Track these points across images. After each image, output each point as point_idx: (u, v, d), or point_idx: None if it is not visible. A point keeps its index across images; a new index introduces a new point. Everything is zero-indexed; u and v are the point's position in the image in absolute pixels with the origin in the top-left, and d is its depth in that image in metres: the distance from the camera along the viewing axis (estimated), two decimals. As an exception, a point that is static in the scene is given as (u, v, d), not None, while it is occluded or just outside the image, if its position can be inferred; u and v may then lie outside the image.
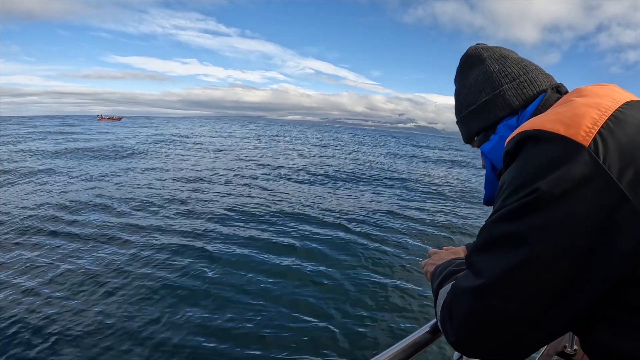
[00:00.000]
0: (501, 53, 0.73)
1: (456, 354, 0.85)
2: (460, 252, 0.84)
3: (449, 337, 0.52)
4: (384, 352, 0.64)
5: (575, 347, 1.26)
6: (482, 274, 0.46)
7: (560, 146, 0.44)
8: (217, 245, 6.19)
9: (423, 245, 6.81)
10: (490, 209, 0.57)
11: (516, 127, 0.57)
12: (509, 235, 0.44)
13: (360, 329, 4.04)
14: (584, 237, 0.40)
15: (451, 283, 0.57)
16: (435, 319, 0.70)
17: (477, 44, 0.78)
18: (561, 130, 0.44)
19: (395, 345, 0.66)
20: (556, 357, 1.26)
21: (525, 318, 0.44)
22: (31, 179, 11.49)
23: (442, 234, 7.73)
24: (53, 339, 3.66)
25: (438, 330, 0.70)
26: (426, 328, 0.72)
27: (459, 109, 0.77)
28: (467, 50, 0.78)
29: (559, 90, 0.67)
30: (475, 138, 0.76)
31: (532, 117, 0.61)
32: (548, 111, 0.53)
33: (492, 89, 0.69)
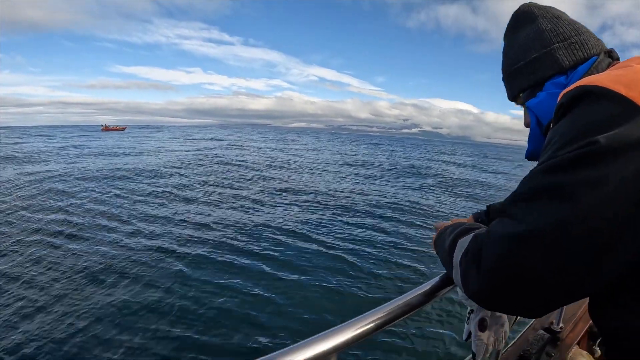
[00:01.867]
0: (554, 13, 0.72)
1: (470, 306, 0.80)
2: (466, 221, 0.81)
3: (470, 286, 0.49)
4: (380, 307, 0.64)
5: (561, 324, 1.28)
6: (523, 222, 0.44)
7: (620, 105, 0.43)
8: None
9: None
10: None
11: (566, 86, 0.59)
12: (557, 186, 0.43)
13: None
14: (631, 201, 0.39)
15: (473, 233, 0.54)
16: (429, 281, 0.73)
17: (529, 2, 0.77)
18: (622, 91, 0.44)
19: (389, 303, 0.66)
20: (542, 331, 1.27)
21: (557, 275, 0.42)
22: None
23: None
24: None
25: (433, 293, 0.71)
26: (420, 289, 0.71)
27: (507, 65, 0.76)
28: (520, 7, 0.77)
29: (611, 56, 0.66)
30: (521, 95, 0.74)
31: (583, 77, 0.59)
32: (605, 72, 0.54)
33: (543, 46, 0.69)
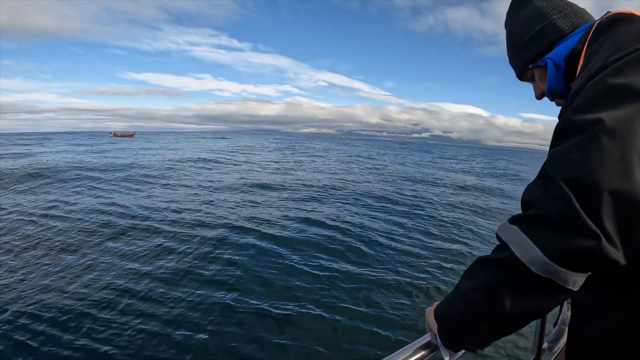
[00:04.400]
0: None
1: None
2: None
3: (555, 245, 0.45)
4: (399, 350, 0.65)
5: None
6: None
7: None
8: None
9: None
10: None
11: (572, 47, 0.68)
12: (629, 84, 0.47)
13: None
14: None
15: (513, 222, 0.51)
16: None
17: None
18: None
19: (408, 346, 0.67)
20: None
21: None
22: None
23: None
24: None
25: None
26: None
27: (513, 43, 0.82)
28: None
29: None
30: (530, 66, 0.79)
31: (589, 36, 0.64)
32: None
33: (543, 19, 0.76)
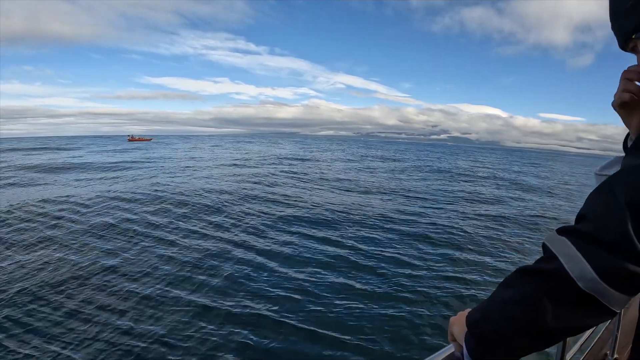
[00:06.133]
0: None
1: None
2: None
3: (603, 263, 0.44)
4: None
5: (616, 355, 1.26)
6: None
7: None
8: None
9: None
10: None
11: None
12: None
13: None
14: None
15: (564, 233, 0.50)
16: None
17: None
18: None
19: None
20: None
21: None
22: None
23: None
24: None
25: None
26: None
27: (614, 10, 0.72)
28: None
29: None
30: (634, 36, 0.70)
31: None
32: None
33: None
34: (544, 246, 0.50)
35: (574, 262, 0.45)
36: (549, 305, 0.46)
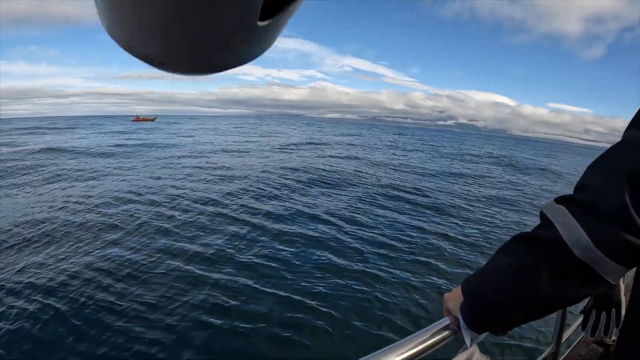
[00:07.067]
0: None
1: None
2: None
3: (601, 235, 0.44)
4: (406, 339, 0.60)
5: (613, 337, 1.27)
6: None
7: None
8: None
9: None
10: None
11: None
12: None
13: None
14: None
15: (562, 202, 0.49)
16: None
17: None
18: None
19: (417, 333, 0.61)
20: (594, 345, 1.29)
21: None
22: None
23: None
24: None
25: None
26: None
27: None
28: None
29: None
30: None
31: None
32: None
33: None
34: (542, 214, 0.49)
35: (571, 230, 0.44)
36: (545, 273, 0.45)
